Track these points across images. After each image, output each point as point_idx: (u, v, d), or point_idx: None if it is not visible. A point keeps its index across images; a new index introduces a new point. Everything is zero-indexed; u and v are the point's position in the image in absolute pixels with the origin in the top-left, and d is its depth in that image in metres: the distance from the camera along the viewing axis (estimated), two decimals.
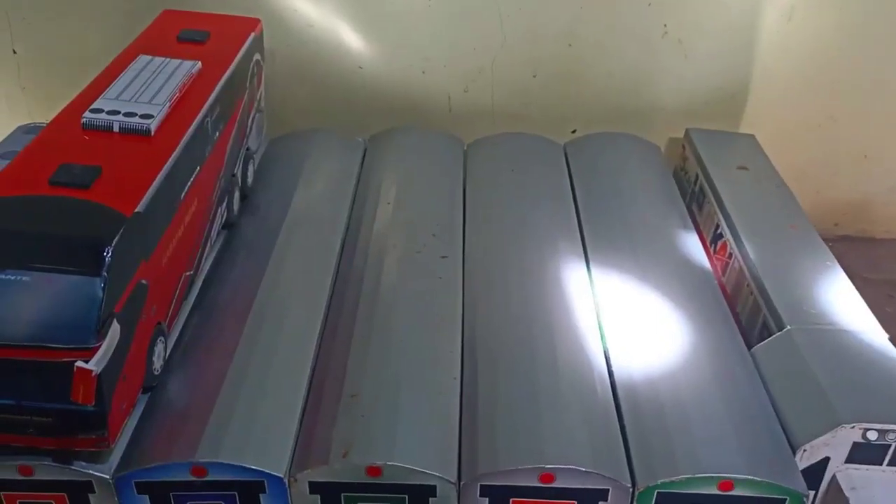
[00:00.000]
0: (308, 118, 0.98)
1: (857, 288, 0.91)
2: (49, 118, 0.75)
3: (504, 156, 0.93)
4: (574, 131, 1.01)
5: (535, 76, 0.98)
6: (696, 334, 0.67)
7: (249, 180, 0.85)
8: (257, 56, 0.86)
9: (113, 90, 0.66)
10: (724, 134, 0.96)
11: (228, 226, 0.80)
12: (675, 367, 0.64)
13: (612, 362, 0.65)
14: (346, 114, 1.00)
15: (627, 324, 0.68)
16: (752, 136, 0.95)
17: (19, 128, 0.75)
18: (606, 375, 0.63)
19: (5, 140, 0.73)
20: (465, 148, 0.95)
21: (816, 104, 0.99)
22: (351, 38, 0.96)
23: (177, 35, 0.79)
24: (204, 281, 0.72)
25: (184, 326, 0.67)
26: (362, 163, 0.93)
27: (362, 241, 0.78)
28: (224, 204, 0.77)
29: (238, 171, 0.81)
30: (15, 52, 0.97)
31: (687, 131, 0.96)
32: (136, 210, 0.55)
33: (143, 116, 0.63)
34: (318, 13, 0.95)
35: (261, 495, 0.56)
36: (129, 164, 0.59)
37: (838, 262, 0.76)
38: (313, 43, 0.96)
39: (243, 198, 0.83)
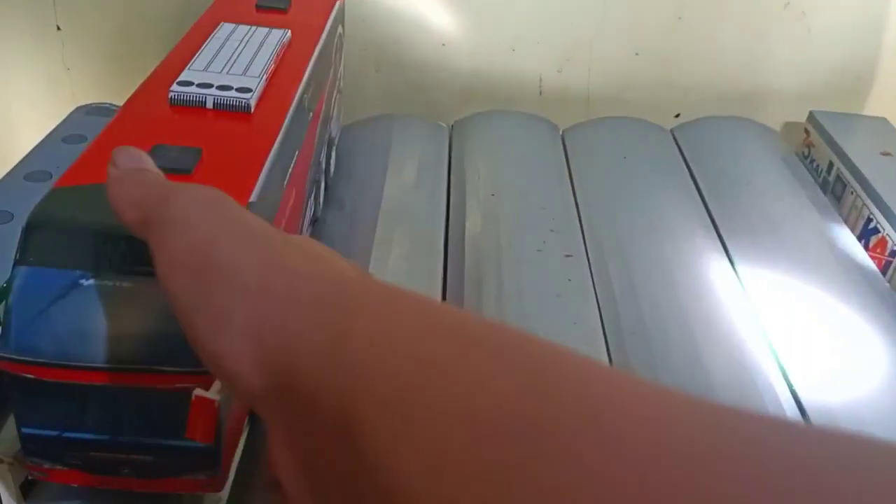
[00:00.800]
0: (384, 102, 0.88)
1: None
2: (94, 99, 0.66)
3: (608, 142, 0.83)
4: (678, 115, 0.91)
5: (637, 54, 0.88)
6: (883, 344, 0.57)
7: (332, 170, 0.76)
8: (340, 29, 0.76)
9: (200, 61, 0.56)
10: (854, 117, 0.86)
11: (313, 222, 0.70)
12: (864, 383, 0.54)
13: (791, 377, 0.55)
14: (427, 97, 0.90)
15: (797, 333, 0.58)
16: (884, 120, 0.85)
17: (79, 108, 0.65)
18: (788, 391, 0.53)
19: (65, 122, 0.63)
20: (561, 134, 0.86)
21: None
22: (433, 11, 0.86)
23: (255, 3, 0.69)
24: None
25: None
26: (450, 151, 0.83)
27: (470, 239, 0.68)
28: (312, 196, 0.67)
29: (323, 159, 0.71)
30: (59, 29, 0.87)
31: (811, 114, 0.85)
32: (250, 200, 0.45)
33: (239, 90, 0.53)
34: None
35: None
36: (232, 146, 0.49)
37: None
38: (391, 16, 0.86)
39: (325, 189, 0.73)
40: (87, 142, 0.60)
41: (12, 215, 0.53)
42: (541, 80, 0.90)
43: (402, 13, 0.86)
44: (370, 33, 0.87)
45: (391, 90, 0.90)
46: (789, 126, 0.90)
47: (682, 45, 0.87)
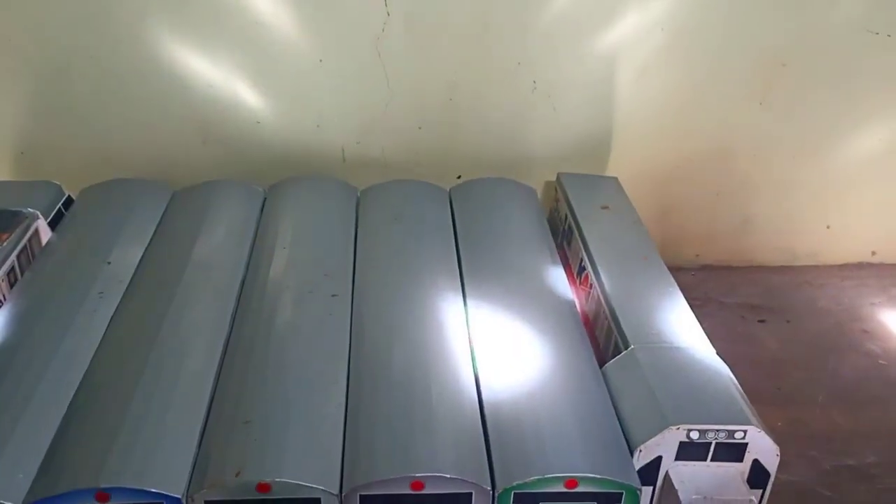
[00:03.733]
0: (212, 170, 1.05)
1: (714, 311, 1.04)
2: None
3: (394, 201, 1.01)
4: (459, 177, 1.10)
5: (420, 128, 1.07)
6: (556, 356, 0.76)
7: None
8: None
9: None
10: (590, 177, 1.06)
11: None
12: (534, 384, 0.72)
13: (481, 382, 0.73)
14: (246, 166, 1.07)
15: (496, 348, 0.77)
16: (614, 179, 1.06)
17: None
18: (475, 394, 0.72)
19: None
20: (359, 194, 1.03)
21: (672, 147, 1.11)
22: (248, 96, 1.04)
23: None
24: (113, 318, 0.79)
25: (93, 359, 0.73)
26: (262, 210, 1.00)
27: (259, 282, 0.85)
28: None
29: None
30: None
31: (558, 175, 1.06)
32: None
33: None
34: (218, 74, 1.02)
35: None
36: None
37: (699, 288, 0.86)
38: (213, 98, 1.03)
39: None
40: None
41: None
42: (343, 150, 1.08)
43: (223, 96, 1.03)
44: (197, 112, 1.04)
45: (217, 160, 1.07)
46: (549, 184, 1.11)
47: (455, 120, 1.07)
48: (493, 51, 1.02)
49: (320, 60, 1.02)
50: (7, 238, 0.88)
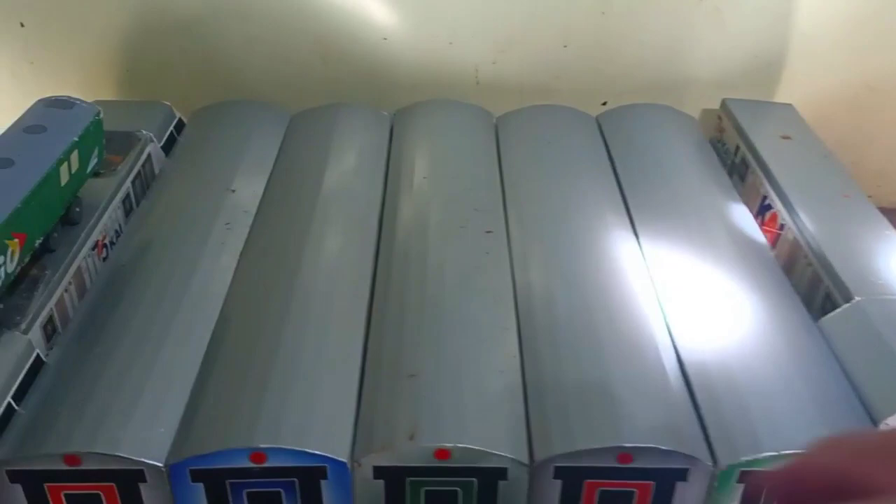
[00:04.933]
0: (331, 92, 0.95)
1: None
2: (58, 93, 0.72)
3: (537, 128, 0.90)
4: (605, 103, 0.98)
5: (565, 46, 0.95)
6: (761, 307, 0.64)
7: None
8: None
9: None
10: (762, 104, 0.93)
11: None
12: (743, 341, 0.61)
13: (677, 339, 0.62)
14: (370, 88, 0.96)
15: (687, 298, 0.66)
16: (790, 106, 0.92)
17: (40, 101, 0.71)
18: (673, 352, 0.61)
19: (26, 113, 0.69)
20: (495, 121, 0.92)
21: (853, 73, 0.96)
22: (375, 7, 0.93)
23: None
24: (244, 254, 0.69)
25: (227, 300, 0.64)
26: (390, 138, 0.89)
27: (402, 218, 0.75)
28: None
29: None
30: (23, 26, 0.92)
31: (723, 101, 0.93)
32: None
33: None
34: None
35: (322, 481, 0.53)
36: None
37: None
38: (336, 12, 0.92)
39: None
40: (45, 132, 0.66)
41: None
42: (477, 70, 0.97)
43: (346, 9, 0.92)
44: (317, 27, 0.93)
45: (337, 81, 0.96)
46: (707, 112, 0.97)
47: (605, 39, 0.94)
48: None
49: None
50: (121, 161, 0.79)
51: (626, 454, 0.52)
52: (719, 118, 0.93)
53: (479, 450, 0.52)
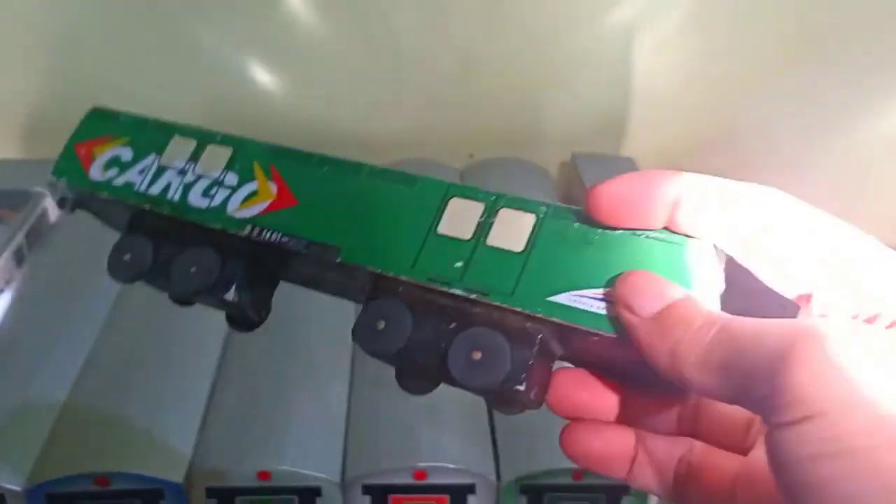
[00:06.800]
0: None
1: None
2: None
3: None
4: (472, 155, 1.08)
5: (429, 105, 1.05)
6: None
7: None
8: None
9: None
10: (605, 157, 1.04)
11: None
12: None
13: None
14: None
15: None
16: (630, 159, 1.03)
17: None
18: None
19: None
20: None
21: (689, 128, 1.08)
22: (260, 74, 1.03)
23: None
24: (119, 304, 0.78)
25: (94, 345, 0.73)
26: None
27: None
28: None
29: None
30: None
31: (573, 155, 1.04)
32: None
33: None
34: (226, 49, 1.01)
35: (160, 502, 0.61)
36: None
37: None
38: (226, 77, 1.02)
39: None
40: None
41: None
42: (356, 129, 1.07)
43: (235, 72, 1.02)
44: (203, 90, 1.03)
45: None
46: (564, 165, 1.08)
47: (469, 100, 1.04)
48: (508, 27, 1.00)
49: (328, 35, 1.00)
50: (15, 216, 0.87)
51: (420, 472, 0.61)
52: (569, 170, 1.04)
53: (295, 471, 0.61)
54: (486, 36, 1.01)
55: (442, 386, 0.68)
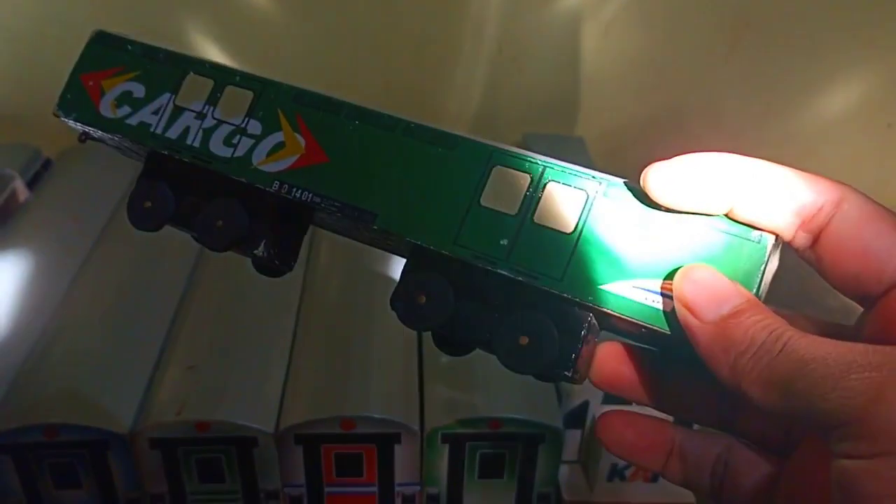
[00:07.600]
0: None
1: None
2: None
3: None
4: None
5: (387, 89, 1.10)
6: None
7: None
8: None
9: None
10: (556, 137, 1.08)
11: None
12: None
13: None
14: None
15: None
16: (581, 139, 1.07)
17: None
18: (415, 338, 0.74)
19: None
20: None
21: (638, 109, 1.12)
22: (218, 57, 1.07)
23: None
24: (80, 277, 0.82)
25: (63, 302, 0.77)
26: None
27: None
28: None
29: None
30: None
31: (524, 136, 1.08)
32: None
33: None
34: None
35: (107, 453, 0.65)
36: None
37: None
38: None
39: None
40: None
41: None
42: None
43: None
44: None
45: None
46: (515, 146, 1.12)
47: (426, 85, 1.09)
48: (460, 11, 1.04)
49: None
50: None
51: (348, 422, 0.65)
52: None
53: (232, 422, 0.65)
54: (439, 21, 1.05)
55: (374, 336, 0.73)
